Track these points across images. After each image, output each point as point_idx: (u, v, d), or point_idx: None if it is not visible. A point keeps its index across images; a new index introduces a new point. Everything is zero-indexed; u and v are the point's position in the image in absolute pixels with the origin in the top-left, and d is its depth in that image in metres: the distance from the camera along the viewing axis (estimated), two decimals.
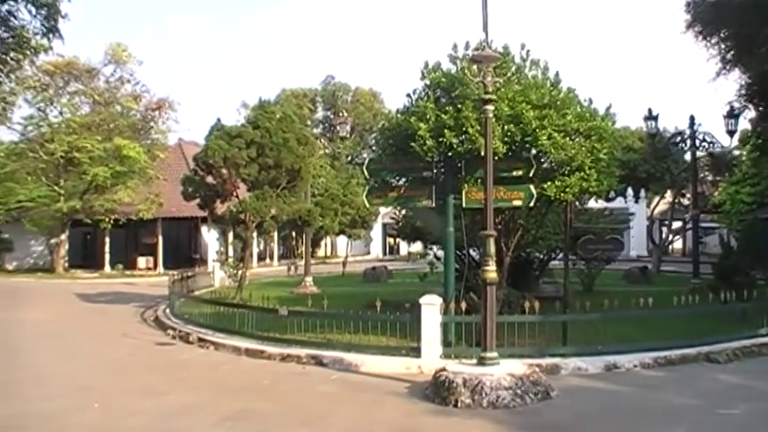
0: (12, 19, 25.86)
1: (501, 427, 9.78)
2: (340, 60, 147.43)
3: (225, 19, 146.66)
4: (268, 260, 61.63)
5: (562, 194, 15.33)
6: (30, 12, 25.53)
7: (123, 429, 9.99)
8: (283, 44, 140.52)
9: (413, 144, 14.99)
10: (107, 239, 50.82)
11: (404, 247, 72.97)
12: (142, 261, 51.23)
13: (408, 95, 17.11)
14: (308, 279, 32.23)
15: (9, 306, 27.15)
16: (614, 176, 17.17)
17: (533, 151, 15.33)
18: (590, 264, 26.60)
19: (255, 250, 51.43)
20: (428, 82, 16.47)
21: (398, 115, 17.15)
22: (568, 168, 15.39)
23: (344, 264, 46.55)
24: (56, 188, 47.83)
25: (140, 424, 10.18)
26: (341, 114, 63.96)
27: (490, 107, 12.05)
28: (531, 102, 14.94)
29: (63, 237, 49.16)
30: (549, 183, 15.23)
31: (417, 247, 46.32)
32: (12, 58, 28.14)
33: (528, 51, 16.35)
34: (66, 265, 49.24)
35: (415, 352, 13.90)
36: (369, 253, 72.68)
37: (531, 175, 14.74)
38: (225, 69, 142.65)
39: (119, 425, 10.15)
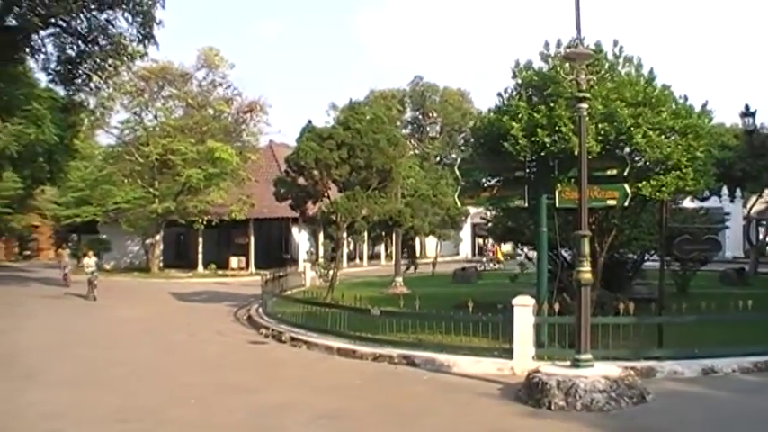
0: (110, 27, 26.71)
1: (596, 431, 9.63)
2: (428, 60, 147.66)
3: (313, 22, 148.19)
4: (358, 260, 61.96)
5: (657, 194, 14.99)
6: (127, 20, 26.36)
7: (219, 425, 10.15)
8: (371, 46, 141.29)
9: (505, 143, 14.87)
10: (200, 240, 51.88)
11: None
12: (234, 261, 51.96)
13: (499, 94, 17.00)
14: (399, 279, 32.27)
15: (108, 305, 27.92)
16: (711, 175, 16.71)
17: (627, 150, 15.05)
18: (685, 265, 25.96)
19: (345, 251, 51.68)
20: (520, 81, 16.33)
21: (490, 114, 17.03)
22: (664, 167, 15.04)
23: (434, 264, 46.46)
24: (151, 190, 49.02)
25: (236, 420, 10.34)
26: (430, 115, 63.82)
27: (584, 105, 11.89)
28: (625, 99, 14.67)
29: (158, 237, 50.34)
30: (643, 182, 14.90)
31: (507, 247, 46.02)
32: (110, 65, 29.06)
33: (621, 48, 16.05)
34: (161, 264, 50.44)
35: (508, 353, 13.78)
36: (458, 253, 72.43)
37: (625, 174, 14.46)
38: (313, 71, 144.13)
39: (215, 421, 10.32)
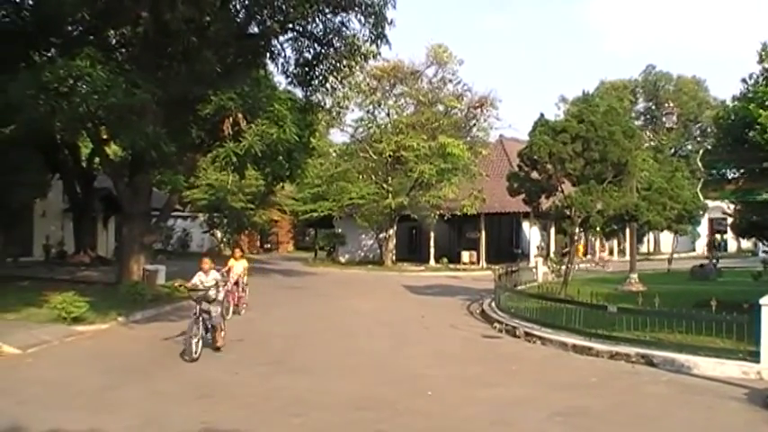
0: (344, 29, 27.69)
1: None
2: (660, 49, 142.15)
3: (540, 14, 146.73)
4: (589, 256, 60.87)
5: None
6: (359, 21, 27.20)
7: (460, 417, 10.40)
8: (599, 36, 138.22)
9: (751, 132, 14.22)
10: (432, 234, 52.58)
11: (731, 244, 69.24)
12: (465, 255, 52.32)
13: (744, 81, 16.34)
14: (634, 276, 31.41)
15: (345, 296, 29.00)
16: None
17: None
18: None
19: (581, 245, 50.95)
20: (766, 65, 15.54)
21: (734, 103, 16.33)
22: None
23: (670, 260, 44.96)
24: (384, 185, 50.37)
25: (473, 413, 10.53)
26: (665, 105, 61.75)
27: None
28: None
29: (391, 231, 51.53)
30: None
31: (747, 243, 43.77)
32: (344, 66, 30.11)
33: None
34: (394, 258, 51.54)
35: (754, 356, 13.17)
36: (694, 249, 69.67)
37: None
38: (541, 64, 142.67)
39: (456, 413, 10.55)
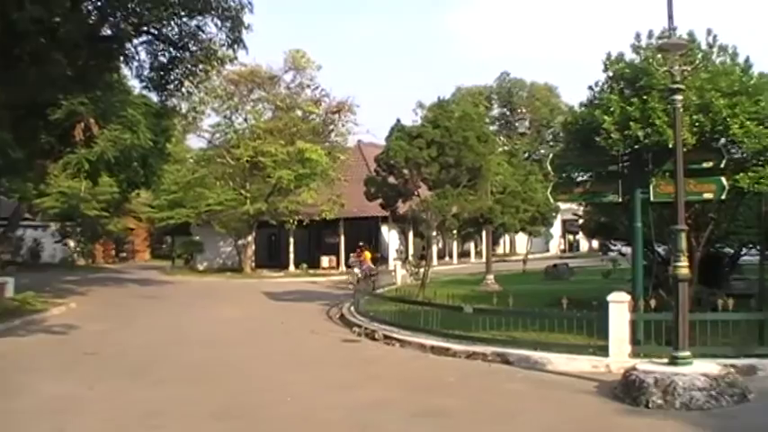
0: (200, 33, 27.12)
1: (696, 430, 9.45)
2: (514, 56, 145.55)
3: (397, 22, 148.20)
4: (447, 258, 61.90)
5: (756, 186, 14.56)
6: (216, 25, 26.68)
7: (320, 421, 10.31)
8: (456, 43, 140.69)
9: (597, 138, 14.69)
10: (291, 240, 52.51)
11: (584, 244, 71.79)
12: (325, 260, 52.48)
13: (590, 88, 16.85)
14: (490, 277, 32.14)
15: (204, 305, 28.53)
16: None
17: (724, 141, 14.73)
18: None
19: (435, 249, 51.71)
20: (611, 73, 16.14)
21: (581, 109, 16.86)
22: (762, 158, 14.64)
23: (525, 261, 46.22)
24: (242, 191, 49.74)
25: (333, 417, 10.45)
26: (519, 111, 63.48)
27: (678, 97, 11.66)
28: (721, 89, 14.33)
29: (250, 238, 51.10)
30: (741, 174, 14.52)
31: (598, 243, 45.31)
32: (201, 70, 29.49)
33: (715, 37, 15.75)
34: (253, 264, 51.14)
35: (603, 351, 13.61)
36: (548, 250, 71.81)
37: (722, 166, 14.16)
38: (399, 71, 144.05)
39: (314, 417, 10.47)
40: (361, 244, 41.19)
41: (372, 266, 34.52)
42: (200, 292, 35.99)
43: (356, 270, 34.61)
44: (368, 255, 36.38)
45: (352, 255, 41.09)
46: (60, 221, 56.20)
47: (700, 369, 10.97)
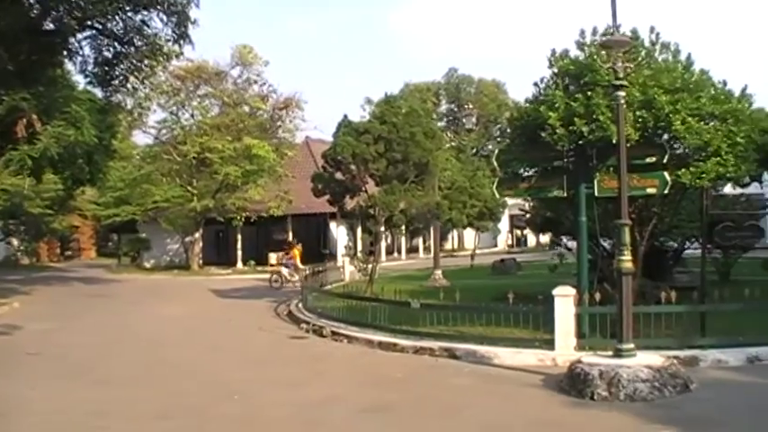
0: (145, 28, 26.81)
1: (640, 420, 9.56)
2: (462, 52, 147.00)
3: (346, 17, 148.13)
4: (396, 254, 62.03)
5: (697, 181, 14.81)
6: (162, 20, 26.41)
7: (266, 419, 10.24)
8: (404, 39, 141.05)
9: (542, 133, 14.82)
10: (239, 236, 52.31)
11: (531, 239, 72.44)
12: (273, 257, 52.22)
13: (536, 84, 16.99)
14: (438, 272, 32.27)
15: (151, 303, 28.20)
16: (752, 161, 16.46)
17: (666, 137, 14.97)
18: (726, 252, 25.66)
19: (384, 245, 51.82)
20: (556, 70, 16.28)
21: (527, 105, 17.00)
22: (704, 153, 14.89)
23: (473, 256, 46.44)
24: (189, 188, 49.37)
25: (281, 415, 10.40)
26: (466, 107, 63.81)
27: (621, 93, 11.80)
28: (663, 86, 14.55)
29: (197, 235, 50.72)
30: (683, 169, 14.75)
31: (545, 238, 45.75)
32: (146, 65, 29.18)
33: (657, 35, 15.96)
34: (201, 262, 50.83)
35: (549, 344, 13.72)
36: (496, 245, 72.28)
37: (664, 161, 14.35)
38: (347, 67, 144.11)
39: (259, 416, 10.40)
40: (290, 241, 41.23)
41: (299, 265, 34.42)
42: (146, 289, 35.62)
43: (283, 270, 34.62)
44: (297, 252, 36.27)
45: (280, 252, 41.07)
46: (3, 220, 55.18)
47: (643, 361, 11.12)
